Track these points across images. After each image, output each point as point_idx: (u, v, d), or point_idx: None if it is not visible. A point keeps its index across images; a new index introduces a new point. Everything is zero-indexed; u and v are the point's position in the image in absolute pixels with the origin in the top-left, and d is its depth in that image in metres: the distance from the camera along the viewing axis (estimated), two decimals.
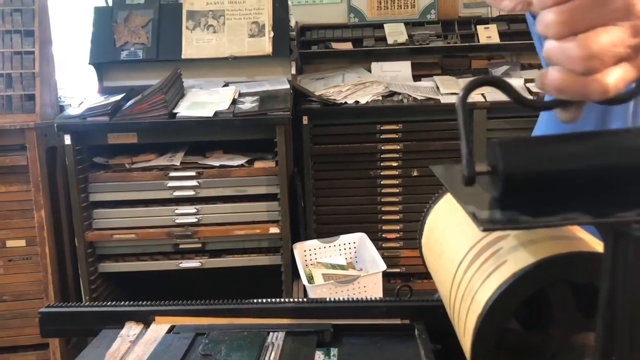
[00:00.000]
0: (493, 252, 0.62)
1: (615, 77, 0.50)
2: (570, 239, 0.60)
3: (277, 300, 0.96)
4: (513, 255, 0.58)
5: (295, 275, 2.47)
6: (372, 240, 2.56)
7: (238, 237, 2.48)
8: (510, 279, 0.54)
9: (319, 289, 2.26)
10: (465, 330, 0.60)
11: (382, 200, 2.70)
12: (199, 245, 2.49)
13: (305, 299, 0.98)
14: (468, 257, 0.66)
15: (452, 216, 0.79)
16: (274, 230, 2.46)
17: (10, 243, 2.46)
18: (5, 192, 2.44)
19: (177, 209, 2.45)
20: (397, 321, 0.91)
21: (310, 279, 2.40)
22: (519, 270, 0.54)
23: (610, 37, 0.47)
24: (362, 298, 0.96)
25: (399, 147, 2.66)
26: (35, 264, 2.45)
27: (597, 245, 0.58)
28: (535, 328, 0.58)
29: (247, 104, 2.47)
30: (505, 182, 0.48)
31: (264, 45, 2.70)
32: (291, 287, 2.49)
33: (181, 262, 2.48)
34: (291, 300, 0.95)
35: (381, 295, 2.09)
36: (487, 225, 0.43)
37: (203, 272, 2.52)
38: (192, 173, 2.46)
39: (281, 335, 0.85)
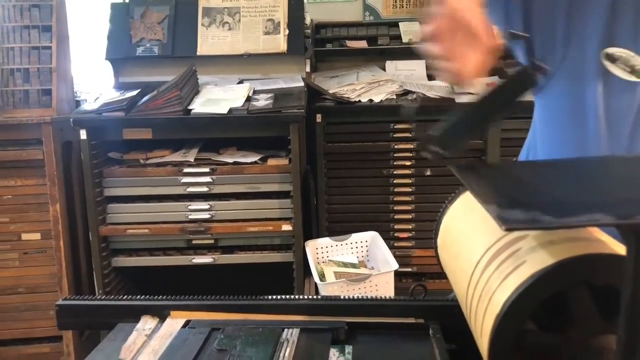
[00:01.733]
0: (511, 252, 0.62)
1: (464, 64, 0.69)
2: (590, 241, 0.59)
3: (292, 297, 0.97)
4: (532, 256, 0.58)
5: (307, 272, 2.47)
6: (384, 239, 2.56)
7: (250, 233, 2.49)
8: (530, 280, 0.54)
9: (331, 287, 2.26)
10: (483, 330, 0.60)
11: (395, 199, 2.69)
12: (212, 241, 2.50)
13: (319, 297, 0.98)
14: (486, 257, 0.66)
15: (469, 216, 0.79)
16: (286, 227, 2.46)
17: (25, 236, 2.49)
18: (21, 185, 2.47)
19: (190, 205, 2.46)
20: (412, 320, 0.91)
21: (322, 276, 2.40)
22: (538, 271, 0.54)
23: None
24: (376, 296, 0.96)
25: (412, 147, 2.65)
26: (50, 257, 2.47)
27: (617, 247, 0.58)
28: (554, 329, 0.58)
29: (262, 102, 2.47)
30: None
31: (279, 42, 2.70)
32: (303, 285, 2.49)
33: (194, 258, 2.49)
34: (305, 297, 0.96)
35: (392, 295, 2.09)
36: (510, 225, 0.43)
37: (215, 268, 2.53)
38: (206, 169, 2.47)
39: (296, 331, 0.85)
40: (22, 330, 2.50)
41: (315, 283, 2.38)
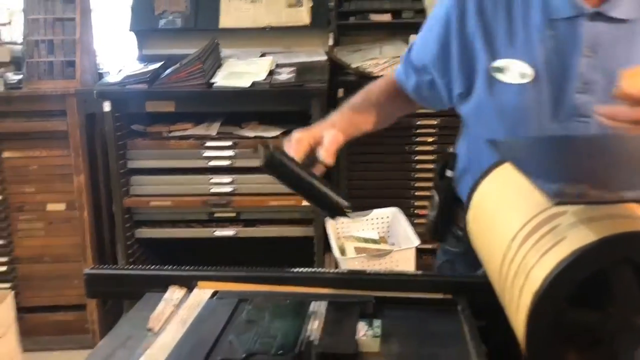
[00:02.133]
0: (550, 228, 0.60)
1: None
2: (632, 218, 0.58)
3: (319, 270, 0.96)
4: (572, 232, 0.57)
5: (327, 247, 2.47)
6: (406, 215, 2.54)
7: (272, 207, 2.49)
8: (571, 256, 0.52)
9: (351, 262, 2.26)
10: (519, 307, 0.59)
11: (416, 175, 2.67)
12: (234, 214, 2.51)
13: (346, 270, 0.97)
14: (522, 233, 0.65)
15: (504, 192, 0.78)
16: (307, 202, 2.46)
17: (50, 206, 2.52)
18: (46, 156, 2.49)
19: (212, 179, 2.47)
20: (439, 296, 0.90)
21: (343, 251, 2.40)
22: (580, 248, 0.53)
23: None
24: (403, 271, 0.95)
25: (435, 122, 2.62)
26: (74, 227, 2.50)
27: None
28: (594, 307, 0.57)
29: (284, 75, 2.45)
30: None
31: (302, 15, 2.66)
32: (323, 260, 2.50)
33: (216, 231, 2.51)
34: (332, 270, 0.95)
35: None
36: (560, 199, 0.41)
37: (236, 241, 2.54)
38: (228, 143, 2.47)
39: (323, 304, 0.85)
40: (48, 298, 2.56)
41: (336, 258, 2.38)
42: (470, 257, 1.10)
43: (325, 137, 0.97)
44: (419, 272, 0.94)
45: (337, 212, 0.94)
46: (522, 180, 0.78)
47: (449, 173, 1.19)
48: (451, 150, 1.21)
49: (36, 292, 2.55)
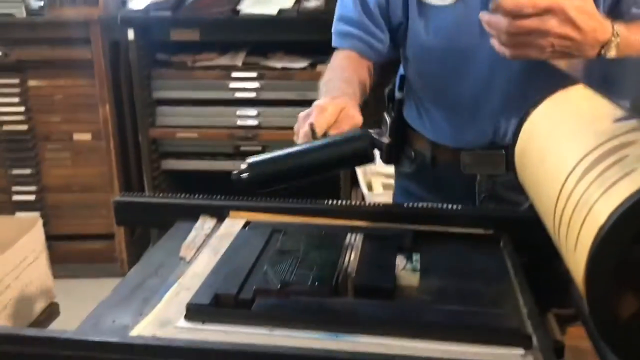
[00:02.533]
0: (617, 159, 0.55)
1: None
2: None
3: (354, 202, 0.93)
4: None
5: (354, 183, 2.45)
6: None
7: None
8: None
9: (378, 198, 2.23)
10: (578, 244, 0.54)
11: None
12: (260, 148, 2.48)
13: (382, 203, 0.94)
14: (583, 165, 0.60)
15: (560, 121, 0.72)
16: None
17: (76, 136, 2.52)
18: (71, 85, 2.46)
19: (238, 111, 2.43)
20: (480, 231, 0.86)
21: (370, 187, 2.37)
22: None
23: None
24: (443, 205, 0.91)
25: None
26: (101, 157, 2.50)
27: None
28: None
29: (313, 2, 2.35)
30: None
31: None
32: (349, 195, 2.47)
33: (242, 164, 2.48)
34: (369, 203, 0.92)
35: None
36: None
37: None
38: (254, 74, 2.41)
39: (360, 237, 0.82)
40: (77, 227, 2.59)
41: (363, 194, 2.36)
42: (423, 176, 1.16)
43: (351, 110, 0.91)
44: (459, 206, 0.90)
45: (362, 160, 0.84)
46: (580, 109, 0.72)
47: (398, 95, 1.18)
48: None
49: (65, 221, 2.59)
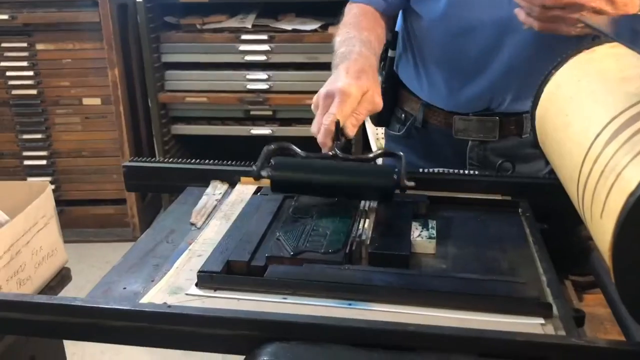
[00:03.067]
0: None
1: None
2: None
3: None
4: None
5: (366, 147, 2.42)
6: None
7: (309, 106, 2.40)
8: None
9: None
10: (605, 211, 0.52)
11: None
12: (270, 112, 2.45)
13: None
14: (610, 128, 0.57)
15: (585, 82, 0.69)
16: None
17: (86, 101, 2.50)
18: (79, 49, 2.43)
19: (248, 74, 2.39)
20: (498, 197, 0.84)
21: None
22: None
23: None
24: (459, 170, 0.89)
25: None
26: (111, 122, 2.48)
27: None
28: None
29: None
30: None
31: None
32: None
33: (252, 129, 2.46)
34: None
35: None
36: None
37: (273, 141, 2.50)
38: (264, 37, 2.36)
39: (374, 203, 0.80)
40: (89, 192, 2.60)
41: None
42: (413, 140, 1.13)
43: (374, 95, 0.86)
44: (476, 171, 0.87)
45: (383, 196, 0.78)
46: (607, 70, 0.69)
47: (390, 53, 1.15)
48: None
49: (76, 186, 2.59)
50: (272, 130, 2.46)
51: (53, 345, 0.99)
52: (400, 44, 1.15)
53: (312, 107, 0.88)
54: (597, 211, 0.54)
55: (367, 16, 1.05)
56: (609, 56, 0.70)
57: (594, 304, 0.85)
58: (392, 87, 1.15)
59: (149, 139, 2.60)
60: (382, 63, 1.15)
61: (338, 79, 0.84)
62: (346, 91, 0.82)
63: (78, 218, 2.59)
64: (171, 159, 0.96)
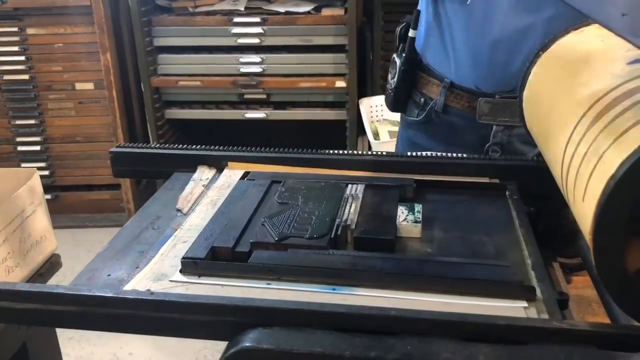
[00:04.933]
0: (630, 104, 0.52)
1: None
2: None
3: (355, 152, 0.90)
4: None
5: (361, 131, 2.41)
6: None
7: (303, 89, 2.40)
8: None
9: (385, 146, 2.20)
10: (587, 193, 0.52)
11: None
12: (264, 96, 2.43)
13: (385, 152, 0.91)
14: (593, 111, 0.56)
15: (571, 64, 0.68)
16: (340, 84, 2.36)
17: (79, 85, 2.48)
18: (70, 33, 2.41)
19: (241, 58, 2.37)
20: (486, 180, 0.84)
21: (376, 135, 2.33)
22: None
23: None
24: (447, 154, 0.88)
25: None
26: (104, 107, 2.47)
27: None
28: None
29: None
30: None
31: None
32: (356, 144, 2.44)
33: (246, 112, 2.45)
34: (370, 152, 0.89)
35: None
36: None
37: (267, 124, 2.49)
38: (257, 19, 2.34)
39: (360, 187, 0.79)
40: (83, 178, 2.59)
41: (369, 142, 2.32)
42: (432, 126, 1.07)
43: None
44: (464, 154, 0.87)
45: None
46: (593, 52, 0.68)
47: (411, 33, 1.09)
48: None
49: (71, 171, 2.58)
50: (266, 114, 2.45)
51: (45, 331, 1.00)
52: (424, 23, 1.09)
53: None
54: (579, 194, 0.54)
55: None
56: (596, 37, 0.70)
57: (582, 285, 0.85)
58: (412, 69, 1.09)
59: (142, 123, 2.58)
60: (401, 45, 1.11)
61: None
62: None
63: (73, 204, 2.59)
64: (158, 144, 0.95)
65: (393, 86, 1.11)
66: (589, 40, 0.70)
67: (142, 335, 0.61)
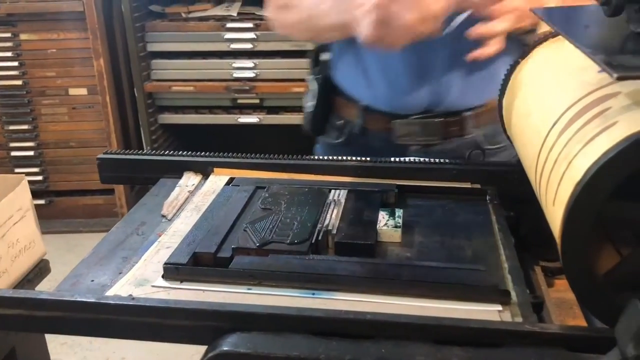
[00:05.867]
0: (599, 112, 0.53)
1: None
2: None
3: (339, 157, 0.91)
4: (626, 116, 0.49)
5: None
6: None
7: (296, 94, 2.41)
8: (624, 143, 0.46)
9: None
10: (557, 199, 0.53)
11: None
12: (257, 101, 2.45)
13: (368, 158, 0.92)
14: (565, 117, 0.57)
15: (547, 71, 0.69)
16: None
17: (72, 91, 2.49)
18: (64, 38, 2.42)
19: (234, 63, 2.39)
20: (467, 185, 0.85)
21: None
22: (634, 133, 0.46)
23: None
24: (429, 159, 0.89)
25: None
26: (98, 112, 2.48)
27: None
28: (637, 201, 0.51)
29: None
30: None
31: None
32: None
33: (239, 117, 2.46)
34: (354, 158, 0.90)
35: None
36: (623, 72, 0.34)
37: (261, 129, 2.50)
38: (250, 25, 2.35)
39: (343, 193, 0.81)
40: (77, 183, 2.60)
41: None
42: (353, 147, 1.06)
43: None
44: (446, 159, 0.88)
45: None
46: (568, 59, 0.69)
47: (324, 56, 1.08)
48: None
49: (64, 177, 2.59)
50: (259, 118, 2.46)
51: (34, 336, 1.00)
52: (336, 46, 1.07)
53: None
54: (550, 199, 0.55)
55: None
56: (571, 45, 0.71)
57: (564, 289, 0.86)
58: (328, 92, 1.07)
59: (136, 128, 2.59)
60: (317, 67, 1.09)
61: None
62: None
63: (67, 209, 2.60)
64: (144, 151, 0.96)
65: (310, 110, 1.09)
66: (567, 46, 0.71)
67: (129, 340, 0.62)
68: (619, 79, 0.35)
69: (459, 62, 0.95)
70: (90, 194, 2.62)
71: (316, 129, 1.10)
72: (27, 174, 2.46)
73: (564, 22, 0.49)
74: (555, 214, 0.53)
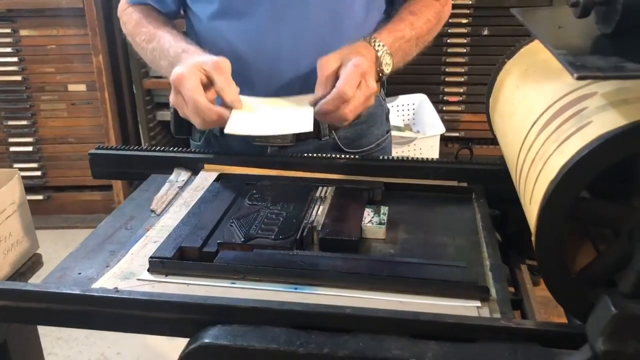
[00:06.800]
0: (575, 112, 0.54)
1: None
2: None
3: (328, 155, 0.92)
4: (600, 116, 0.50)
5: None
6: (433, 102, 2.45)
7: None
8: (595, 142, 0.47)
9: None
10: (533, 197, 0.54)
11: (447, 60, 2.54)
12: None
13: (357, 156, 0.93)
14: (544, 118, 0.58)
15: (528, 72, 0.70)
16: None
17: (71, 87, 2.50)
18: (63, 35, 2.43)
19: None
20: (454, 183, 0.86)
21: None
22: (606, 133, 0.47)
23: None
24: (416, 157, 0.90)
25: (470, 2, 2.44)
26: (97, 108, 2.49)
27: None
28: (615, 199, 0.51)
29: None
30: (624, 12, 0.39)
31: None
32: None
33: None
34: (342, 156, 0.91)
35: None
36: (584, 72, 0.35)
37: None
38: None
39: (330, 190, 0.81)
40: (75, 179, 2.61)
41: None
42: (214, 150, 1.01)
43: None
44: (434, 158, 0.89)
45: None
46: (550, 60, 0.70)
47: None
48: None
49: (62, 172, 2.60)
50: None
51: (26, 330, 1.01)
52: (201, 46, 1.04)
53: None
54: (527, 197, 0.56)
55: (153, 15, 1.06)
56: None
57: None
58: None
59: (134, 125, 2.60)
60: None
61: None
62: (219, 65, 0.86)
63: (65, 204, 2.61)
64: (136, 147, 0.97)
65: (172, 111, 1.05)
66: None
67: (117, 332, 0.63)
68: (579, 78, 0.36)
69: (300, 59, 0.95)
70: (88, 190, 2.63)
71: (180, 131, 1.07)
72: (26, 169, 2.50)
73: (540, 23, 0.50)
74: (532, 212, 0.54)
